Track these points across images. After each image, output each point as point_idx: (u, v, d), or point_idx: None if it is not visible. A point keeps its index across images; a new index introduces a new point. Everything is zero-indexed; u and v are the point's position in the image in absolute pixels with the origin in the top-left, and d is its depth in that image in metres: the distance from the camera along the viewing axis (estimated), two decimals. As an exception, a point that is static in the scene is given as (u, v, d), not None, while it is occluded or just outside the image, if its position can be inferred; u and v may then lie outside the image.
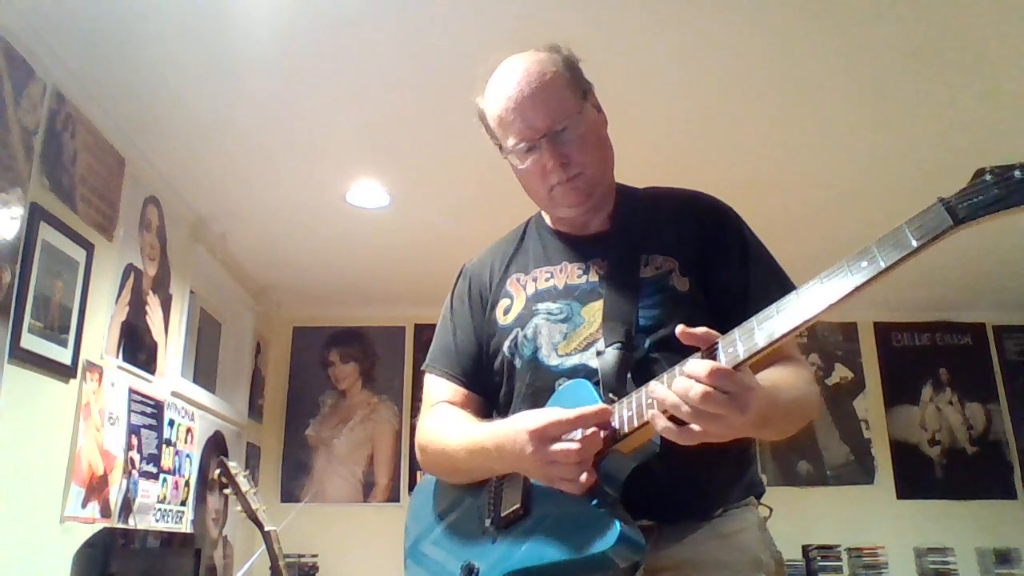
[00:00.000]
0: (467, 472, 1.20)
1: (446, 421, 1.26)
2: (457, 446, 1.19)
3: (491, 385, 1.29)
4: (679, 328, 0.94)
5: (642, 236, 1.25)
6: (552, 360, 1.19)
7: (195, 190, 3.24)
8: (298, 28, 2.27)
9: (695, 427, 0.91)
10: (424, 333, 4.58)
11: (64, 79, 2.39)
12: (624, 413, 1.01)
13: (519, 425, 1.05)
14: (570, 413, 1.02)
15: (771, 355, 0.94)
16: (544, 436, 1.01)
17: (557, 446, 1.00)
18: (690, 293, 1.19)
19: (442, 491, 1.30)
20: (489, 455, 1.11)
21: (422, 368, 1.39)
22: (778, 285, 1.10)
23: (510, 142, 1.22)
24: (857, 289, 0.84)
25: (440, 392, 1.32)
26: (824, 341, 4.79)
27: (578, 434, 1.01)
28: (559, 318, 1.22)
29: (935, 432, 4.65)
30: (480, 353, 1.31)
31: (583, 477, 1.00)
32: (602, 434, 1.02)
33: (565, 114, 1.19)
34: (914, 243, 0.80)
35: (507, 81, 1.22)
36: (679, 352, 0.96)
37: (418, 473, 4.39)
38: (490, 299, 1.32)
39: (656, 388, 0.95)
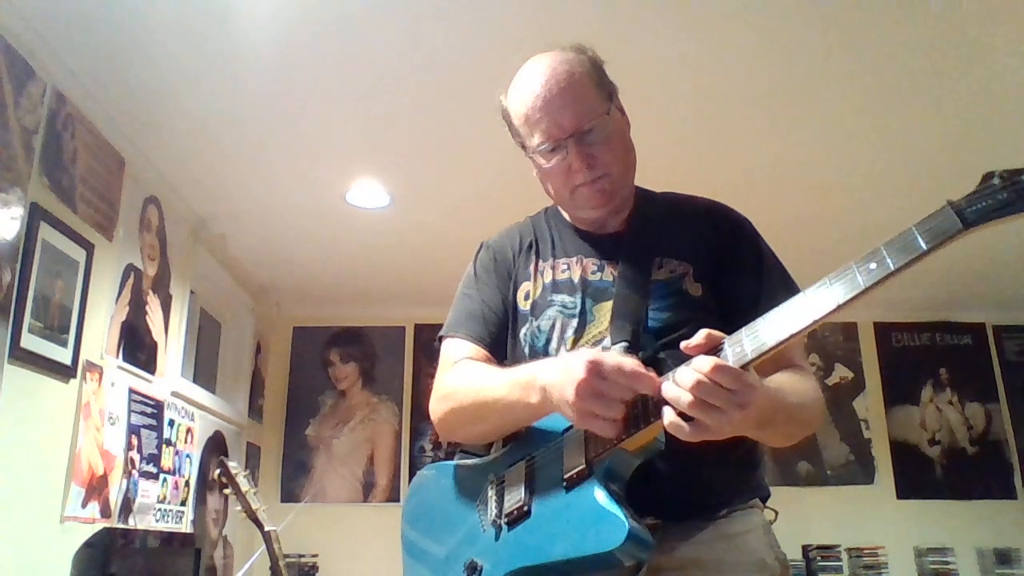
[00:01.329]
0: (496, 413, 1.14)
1: (479, 368, 1.22)
2: (494, 383, 1.14)
3: (504, 361, 1.27)
4: (682, 344, 0.95)
5: (658, 239, 1.25)
6: (560, 354, 1.19)
7: (195, 190, 3.24)
8: (298, 28, 2.27)
9: (697, 422, 0.91)
10: (424, 333, 4.57)
11: (64, 79, 2.38)
12: (630, 411, 1.00)
13: (577, 353, 1.03)
14: (632, 363, 0.98)
15: (777, 359, 0.94)
16: (600, 369, 0.97)
17: (607, 384, 0.97)
18: (702, 298, 1.19)
19: (440, 488, 1.29)
20: (531, 383, 1.07)
21: (440, 335, 1.34)
22: (790, 296, 1.10)
23: (535, 141, 1.22)
24: (865, 291, 0.84)
25: (463, 352, 1.28)
26: (824, 341, 4.78)
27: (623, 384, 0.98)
28: (572, 312, 1.22)
29: (935, 432, 4.65)
30: (504, 323, 1.29)
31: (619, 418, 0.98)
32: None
33: (593, 115, 1.19)
34: (924, 246, 0.81)
35: (534, 79, 1.21)
36: (686, 353, 0.97)
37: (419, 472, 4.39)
38: (515, 275, 1.32)
39: (664, 385, 0.95)
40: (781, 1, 2.20)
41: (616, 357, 0.99)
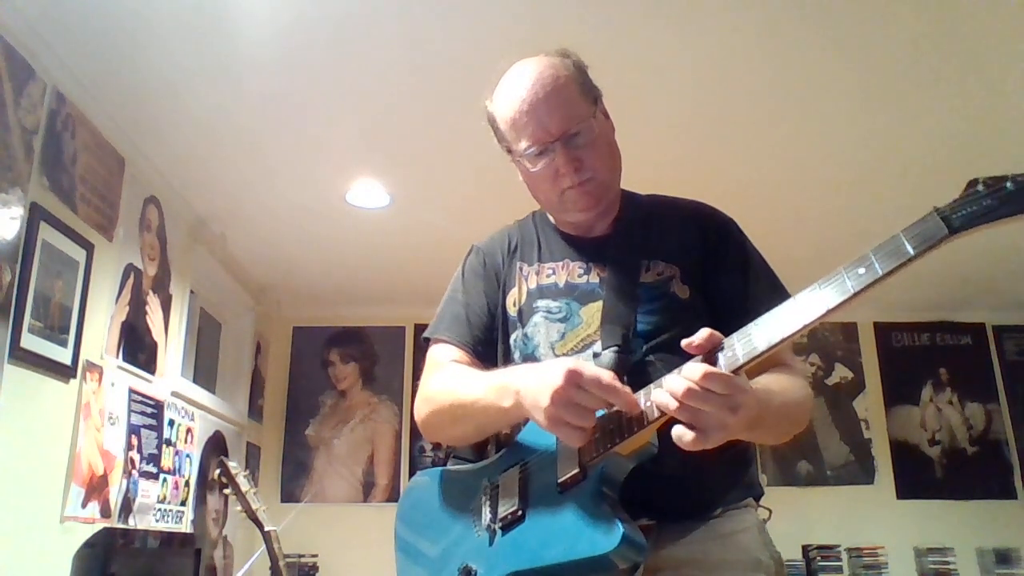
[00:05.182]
0: (472, 416, 1.16)
1: (461, 371, 1.23)
2: (472, 386, 1.15)
3: (494, 364, 1.28)
4: (684, 342, 0.95)
5: (644, 242, 1.26)
6: (548, 359, 1.19)
7: (195, 190, 3.24)
8: (298, 28, 2.27)
9: (688, 434, 0.91)
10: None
11: (64, 79, 2.39)
12: (623, 416, 1.01)
13: (558, 361, 1.04)
14: (609, 376, 0.98)
15: (768, 360, 0.94)
16: (577, 379, 0.97)
17: (583, 394, 0.97)
18: (690, 301, 1.20)
19: (434, 494, 1.29)
20: (506, 388, 1.08)
21: (425, 335, 1.35)
22: (777, 296, 1.11)
23: (522, 145, 1.22)
24: (854, 296, 0.85)
25: (449, 356, 1.29)
26: (824, 341, 4.78)
27: (598, 397, 0.98)
28: (558, 317, 1.23)
29: (935, 432, 4.65)
30: (491, 327, 1.30)
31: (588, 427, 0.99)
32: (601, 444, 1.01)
33: (578, 118, 1.20)
34: (911, 251, 0.82)
35: (520, 84, 1.22)
36: (676, 357, 0.97)
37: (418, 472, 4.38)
38: (503, 280, 1.32)
39: (655, 392, 0.96)
40: (776, 2, 2.20)
41: (595, 368, 1.00)
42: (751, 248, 1.28)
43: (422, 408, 1.27)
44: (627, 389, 0.98)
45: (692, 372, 0.91)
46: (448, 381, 1.23)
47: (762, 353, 0.91)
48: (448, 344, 1.30)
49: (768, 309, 0.93)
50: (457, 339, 1.29)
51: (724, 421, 0.90)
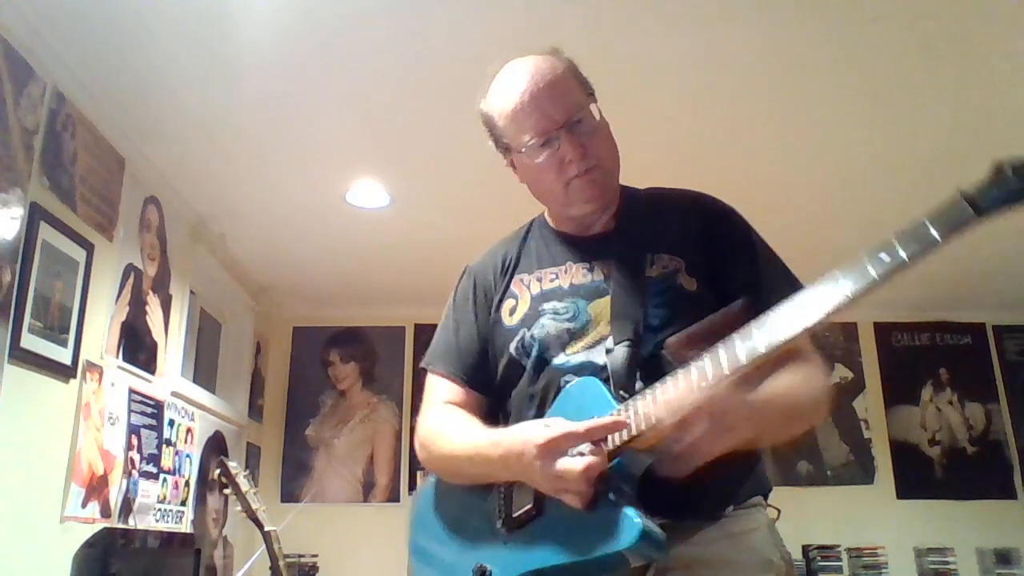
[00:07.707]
0: (470, 477, 1.20)
1: (450, 423, 1.25)
2: (460, 451, 1.18)
3: (494, 385, 1.28)
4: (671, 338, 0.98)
5: (647, 235, 1.25)
6: (559, 359, 1.18)
7: (195, 190, 3.24)
8: (298, 28, 2.27)
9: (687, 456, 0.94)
10: (424, 333, 4.56)
11: (64, 79, 2.38)
12: (640, 411, 1.00)
13: (526, 437, 1.04)
14: (581, 426, 1.00)
15: (784, 352, 0.94)
16: (553, 450, 1.00)
17: (563, 463, 0.99)
18: (698, 292, 1.18)
19: (447, 492, 1.28)
20: (493, 464, 1.11)
21: (422, 365, 1.38)
22: (788, 283, 1.11)
23: (525, 138, 1.22)
24: (877, 283, 0.84)
25: (442, 392, 1.31)
26: (824, 341, 4.78)
27: (587, 447, 1.00)
28: (565, 317, 1.22)
29: (935, 432, 4.65)
30: (483, 352, 1.30)
31: (588, 490, 1.00)
32: (615, 438, 1.01)
33: (579, 106, 1.21)
34: (937, 236, 0.81)
35: (518, 78, 1.22)
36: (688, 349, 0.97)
37: (419, 473, 4.38)
38: (495, 299, 1.32)
39: (647, 413, 0.98)
40: (778, 3, 2.20)
41: (562, 425, 1.02)
42: (756, 236, 1.26)
43: (420, 452, 1.31)
44: (607, 419, 1.00)
45: (676, 401, 0.95)
46: (441, 437, 1.25)
47: (782, 344, 0.90)
48: (442, 378, 1.32)
49: (781, 297, 0.92)
50: (450, 371, 1.31)
51: (720, 440, 0.94)
